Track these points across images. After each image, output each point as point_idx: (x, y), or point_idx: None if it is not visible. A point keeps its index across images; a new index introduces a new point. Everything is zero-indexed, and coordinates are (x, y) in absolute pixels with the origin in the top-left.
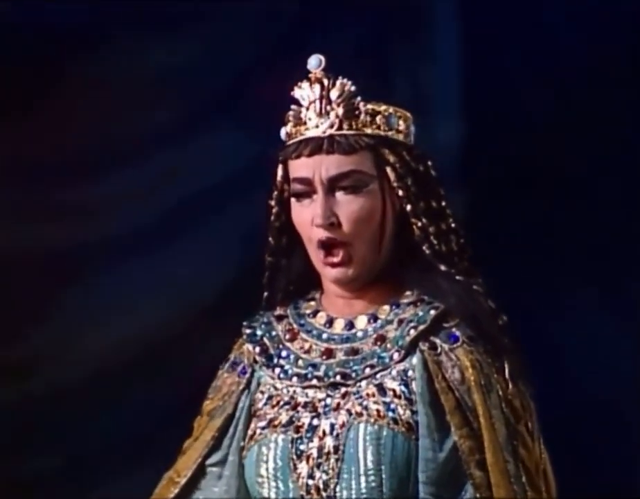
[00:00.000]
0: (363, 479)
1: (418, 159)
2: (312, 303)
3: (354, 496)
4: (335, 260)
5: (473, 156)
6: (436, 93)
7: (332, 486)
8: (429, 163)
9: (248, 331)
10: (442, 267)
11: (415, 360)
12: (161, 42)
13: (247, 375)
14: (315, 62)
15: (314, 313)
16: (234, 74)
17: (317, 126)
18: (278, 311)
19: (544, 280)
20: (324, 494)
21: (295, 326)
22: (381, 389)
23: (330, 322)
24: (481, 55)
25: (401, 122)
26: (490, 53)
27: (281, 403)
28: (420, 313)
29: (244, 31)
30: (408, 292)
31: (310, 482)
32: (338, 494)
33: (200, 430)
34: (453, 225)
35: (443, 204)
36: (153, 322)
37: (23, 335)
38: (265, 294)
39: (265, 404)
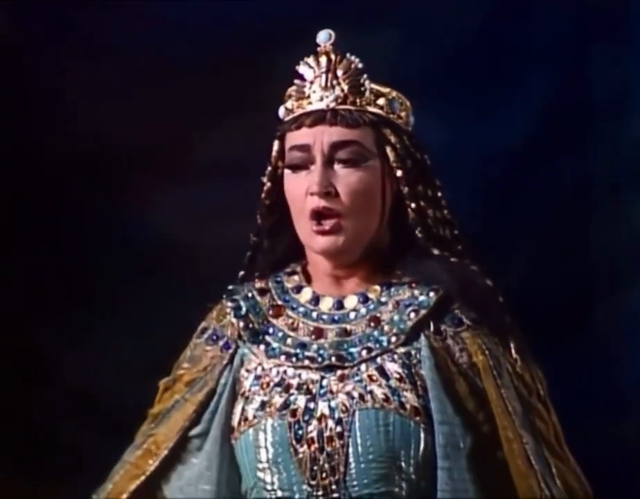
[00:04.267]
0: (374, 465)
1: (417, 147)
2: (295, 277)
3: (365, 482)
4: (326, 228)
5: None
6: (635, 88)
7: (341, 470)
8: (426, 155)
9: (231, 304)
10: (436, 251)
11: (419, 344)
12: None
13: (231, 351)
14: (324, 36)
15: (298, 289)
16: (424, 67)
17: (321, 99)
18: (259, 284)
19: None
20: (332, 479)
21: (279, 301)
22: (383, 373)
23: (316, 300)
24: None
25: (403, 108)
26: None
27: (271, 384)
28: (421, 297)
29: (435, 27)
30: (399, 272)
31: (315, 467)
32: (347, 479)
33: (177, 400)
34: (448, 216)
35: (439, 194)
36: None
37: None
38: (241, 273)
39: (254, 384)
